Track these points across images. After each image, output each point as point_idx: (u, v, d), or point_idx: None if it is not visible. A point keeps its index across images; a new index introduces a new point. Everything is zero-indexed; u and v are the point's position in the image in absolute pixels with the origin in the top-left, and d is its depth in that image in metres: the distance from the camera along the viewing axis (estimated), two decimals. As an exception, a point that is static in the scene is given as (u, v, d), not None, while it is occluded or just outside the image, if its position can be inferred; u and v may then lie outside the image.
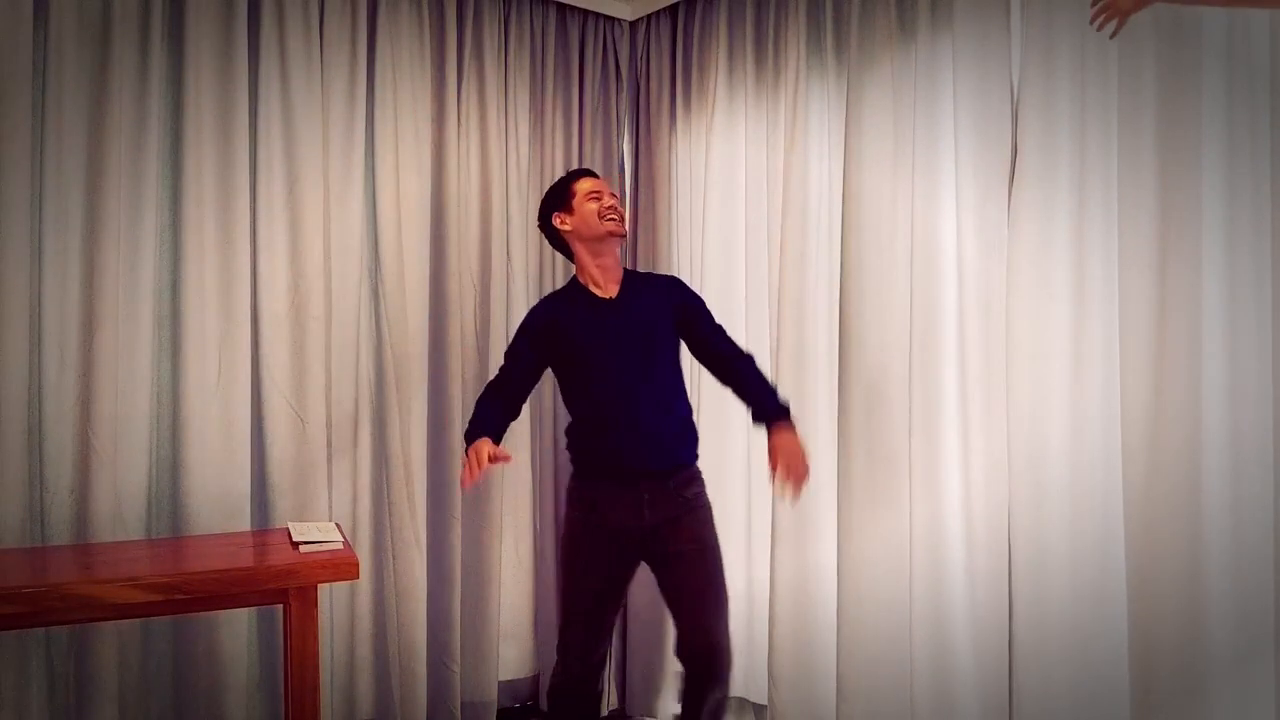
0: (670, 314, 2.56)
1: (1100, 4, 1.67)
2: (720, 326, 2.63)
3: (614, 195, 2.61)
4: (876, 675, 2.53)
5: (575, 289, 2.61)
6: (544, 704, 3.30)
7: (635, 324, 2.52)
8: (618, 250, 2.61)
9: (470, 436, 2.42)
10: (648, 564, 2.53)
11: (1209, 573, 1.93)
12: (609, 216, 2.54)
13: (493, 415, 2.49)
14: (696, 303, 2.63)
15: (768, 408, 2.45)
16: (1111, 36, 1.71)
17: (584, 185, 2.60)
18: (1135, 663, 2.07)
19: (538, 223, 2.67)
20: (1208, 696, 1.94)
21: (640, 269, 3.46)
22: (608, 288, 2.57)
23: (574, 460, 2.59)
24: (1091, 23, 1.69)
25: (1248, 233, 1.92)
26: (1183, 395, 1.98)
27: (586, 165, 3.47)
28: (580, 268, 2.60)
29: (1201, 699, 1.95)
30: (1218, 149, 1.94)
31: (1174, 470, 1.99)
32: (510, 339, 2.73)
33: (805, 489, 2.35)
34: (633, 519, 2.45)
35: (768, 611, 2.89)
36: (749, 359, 2.58)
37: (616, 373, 2.47)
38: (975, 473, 2.40)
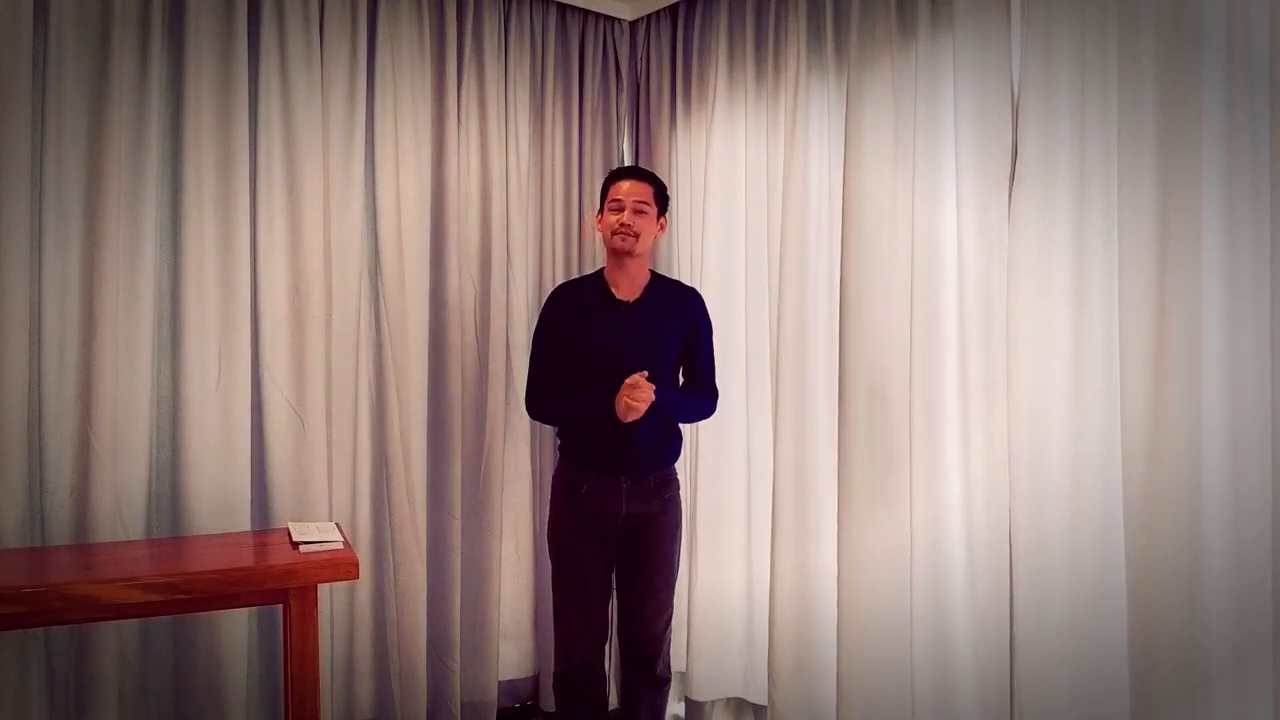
0: (680, 331, 2.67)
1: None
2: (710, 361, 2.74)
3: (638, 206, 2.60)
4: (876, 675, 2.53)
5: (599, 282, 2.70)
6: (547, 702, 3.31)
7: (643, 332, 2.62)
8: (634, 263, 2.64)
9: (586, 407, 2.57)
10: (617, 551, 2.68)
11: (1209, 572, 1.93)
12: (619, 233, 2.58)
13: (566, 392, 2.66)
14: (703, 332, 2.73)
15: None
16: None
17: (617, 190, 2.63)
18: (1135, 663, 2.07)
19: None
20: (1208, 696, 1.94)
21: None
22: (625, 292, 2.66)
23: (561, 445, 2.74)
24: None
25: (1248, 233, 1.92)
26: (1183, 395, 1.97)
27: (587, 165, 3.47)
28: (607, 265, 2.70)
29: (1201, 699, 1.95)
30: (1218, 149, 1.94)
31: (1174, 470, 1.99)
32: (532, 328, 2.88)
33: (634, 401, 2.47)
34: (611, 506, 2.60)
35: (768, 611, 2.88)
36: (708, 392, 2.74)
37: (611, 373, 2.54)
38: (975, 472, 2.40)
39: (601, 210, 2.68)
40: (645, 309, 2.65)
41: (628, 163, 3.57)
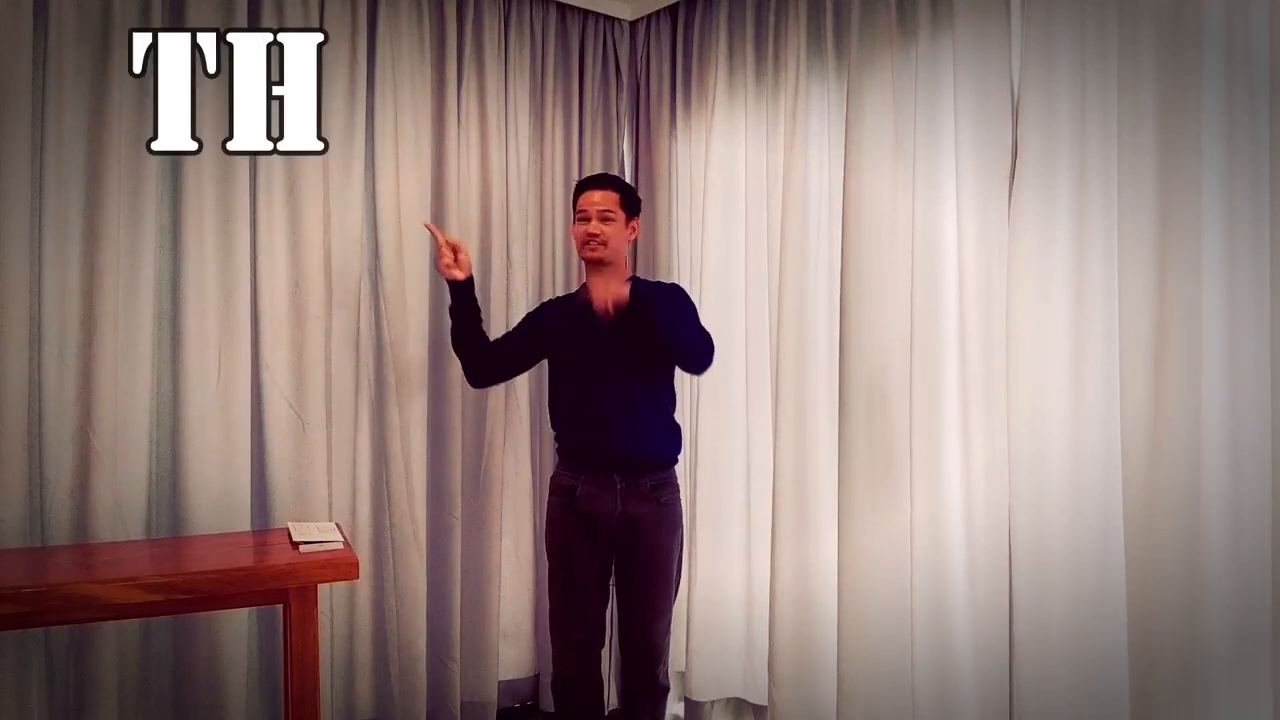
0: None
1: None
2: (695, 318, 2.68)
3: (604, 215, 2.62)
4: (877, 675, 2.53)
5: (582, 290, 2.73)
6: (547, 702, 3.31)
7: (621, 332, 2.57)
8: (609, 270, 2.64)
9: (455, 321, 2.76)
10: (614, 555, 2.66)
11: (1209, 572, 1.93)
12: (587, 243, 2.63)
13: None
14: (685, 311, 2.67)
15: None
16: None
17: (584, 200, 2.66)
18: (1135, 663, 2.07)
19: None
20: (1208, 696, 1.94)
21: (640, 269, 3.46)
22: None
23: (559, 447, 2.74)
24: None
25: (1248, 233, 1.92)
26: (1183, 395, 1.98)
27: (587, 165, 3.47)
28: (585, 275, 2.72)
29: (1201, 699, 1.95)
30: (1218, 149, 1.94)
31: (1174, 470, 1.99)
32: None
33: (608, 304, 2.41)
34: (606, 506, 2.59)
35: (768, 611, 2.88)
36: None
37: (594, 374, 2.59)
38: (975, 472, 2.40)
39: (574, 219, 2.71)
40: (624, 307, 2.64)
41: (628, 163, 3.57)
